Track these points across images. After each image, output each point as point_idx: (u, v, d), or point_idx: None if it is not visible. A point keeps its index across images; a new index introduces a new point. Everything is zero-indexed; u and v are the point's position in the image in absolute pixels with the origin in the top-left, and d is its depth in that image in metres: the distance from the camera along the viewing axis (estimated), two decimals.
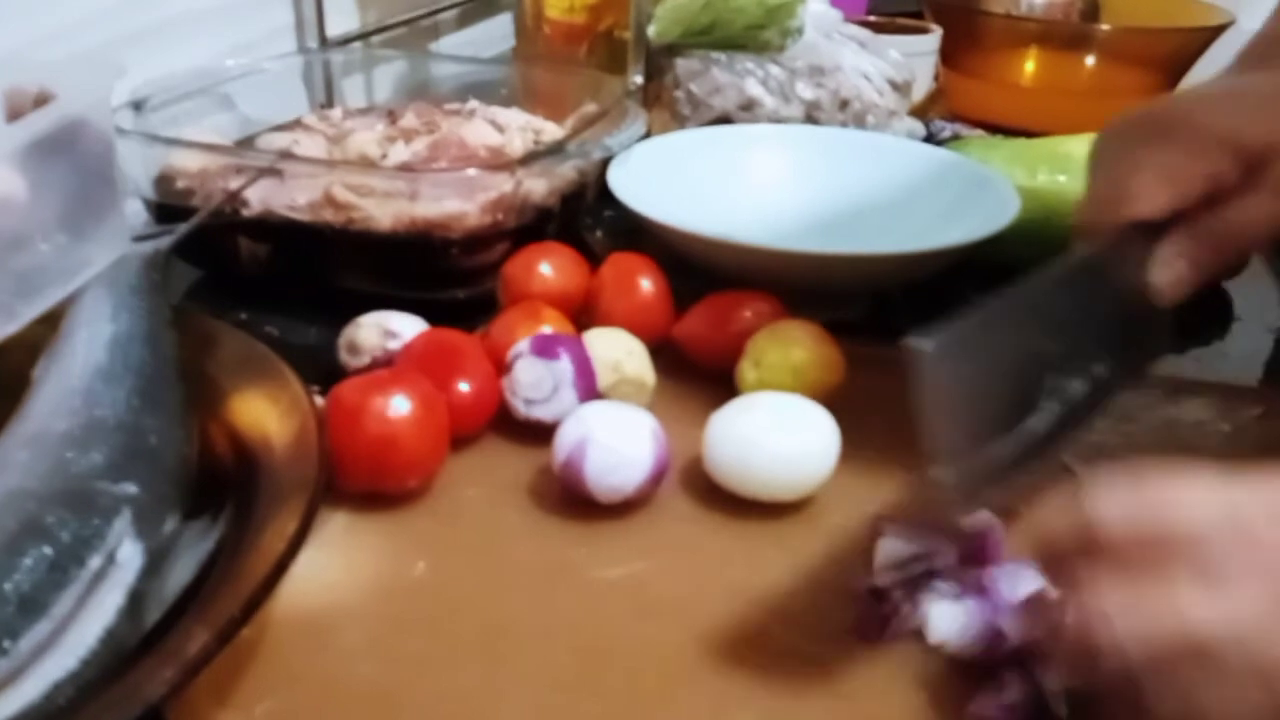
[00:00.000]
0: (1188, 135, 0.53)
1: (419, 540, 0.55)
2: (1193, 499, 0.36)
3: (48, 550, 0.42)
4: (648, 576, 0.53)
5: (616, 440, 0.55)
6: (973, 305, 0.45)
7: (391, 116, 0.92)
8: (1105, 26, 1.33)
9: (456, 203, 0.73)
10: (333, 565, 0.52)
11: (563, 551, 0.54)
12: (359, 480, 0.56)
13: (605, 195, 0.81)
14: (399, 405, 0.55)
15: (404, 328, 0.66)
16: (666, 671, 0.47)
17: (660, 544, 0.55)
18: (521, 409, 0.61)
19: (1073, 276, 0.52)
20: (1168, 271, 0.53)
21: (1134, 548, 0.36)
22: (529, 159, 0.75)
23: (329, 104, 1.00)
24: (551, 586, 0.52)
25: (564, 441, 0.56)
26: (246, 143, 0.85)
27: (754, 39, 1.00)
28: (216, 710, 0.44)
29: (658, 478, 0.56)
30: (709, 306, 0.69)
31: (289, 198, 0.74)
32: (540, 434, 0.60)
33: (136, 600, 0.43)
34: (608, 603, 0.51)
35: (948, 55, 1.24)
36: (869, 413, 0.66)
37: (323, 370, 0.64)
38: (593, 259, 0.74)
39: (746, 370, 0.64)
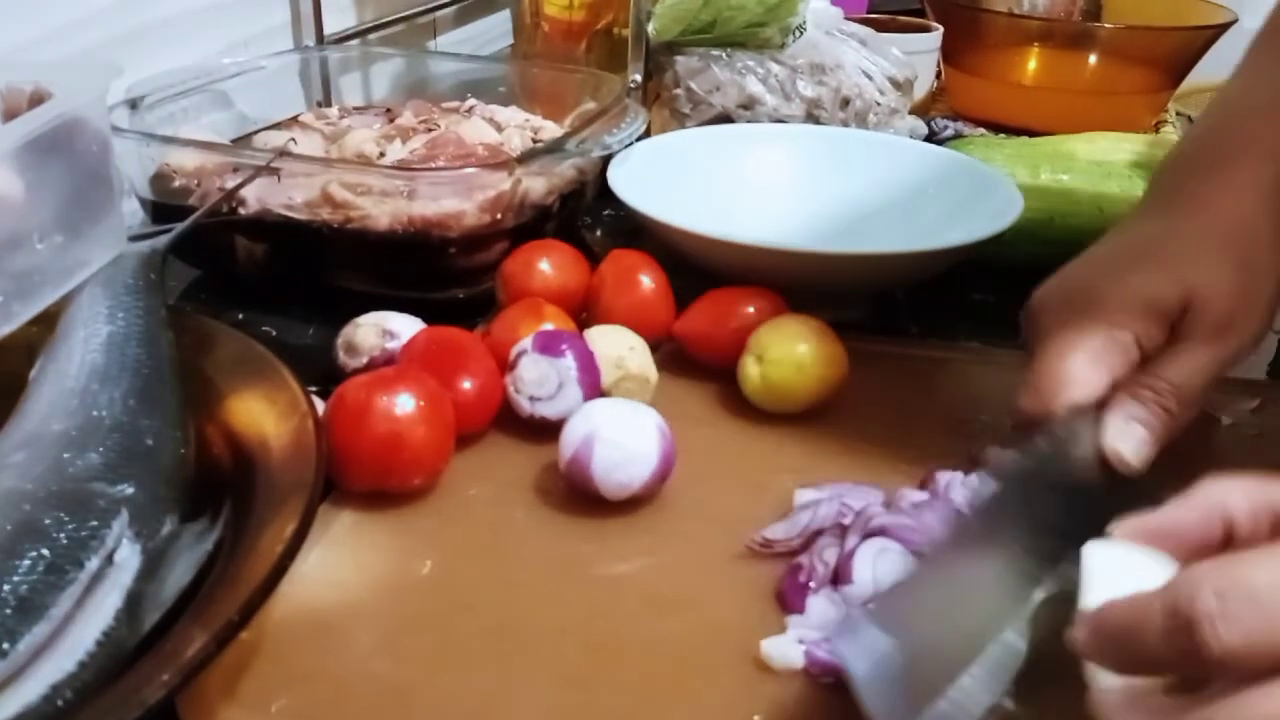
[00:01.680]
0: (1103, 311, 0.54)
1: (426, 538, 0.54)
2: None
3: (45, 552, 0.41)
4: (656, 572, 0.53)
5: (623, 437, 0.55)
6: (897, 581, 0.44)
7: (389, 115, 0.91)
8: (1108, 25, 1.33)
9: (454, 201, 0.72)
10: (341, 564, 0.52)
11: (570, 548, 0.54)
12: (365, 479, 0.55)
13: (604, 194, 0.81)
14: (404, 403, 0.55)
15: (402, 328, 0.65)
16: (678, 666, 0.47)
17: (668, 539, 0.55)
18: (526, 406, 0.61)
19: (1023, 482, 0.50)
20: (1126, 438, 0.52)
21: (1244, 651, 0.33)
22: (527, 157, 0.75)
23: (326, 102, 1.00)
24: (560, 583, 0.52)
25: (570, 438, 0.56)
26: (243, 141, 0.85)
27: (754, 36, 0.99)
28: (231, 708, 0.44)
29: (664, 473, 0.56)
30: (710, 302, 0.69)
31: (286, 197, 0.73)
32: (544, 431, 0.60)
33: (134, 602, 0.43)
34: (617, 599, 0.51)
35: (949, 53, 1.24)
36: (871, 409, 0.66)
37: (321, 371, 0.64)
38: (592, 258, 0.73)
39: (749, 365, 0.64)
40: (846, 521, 0.53)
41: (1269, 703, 0.32)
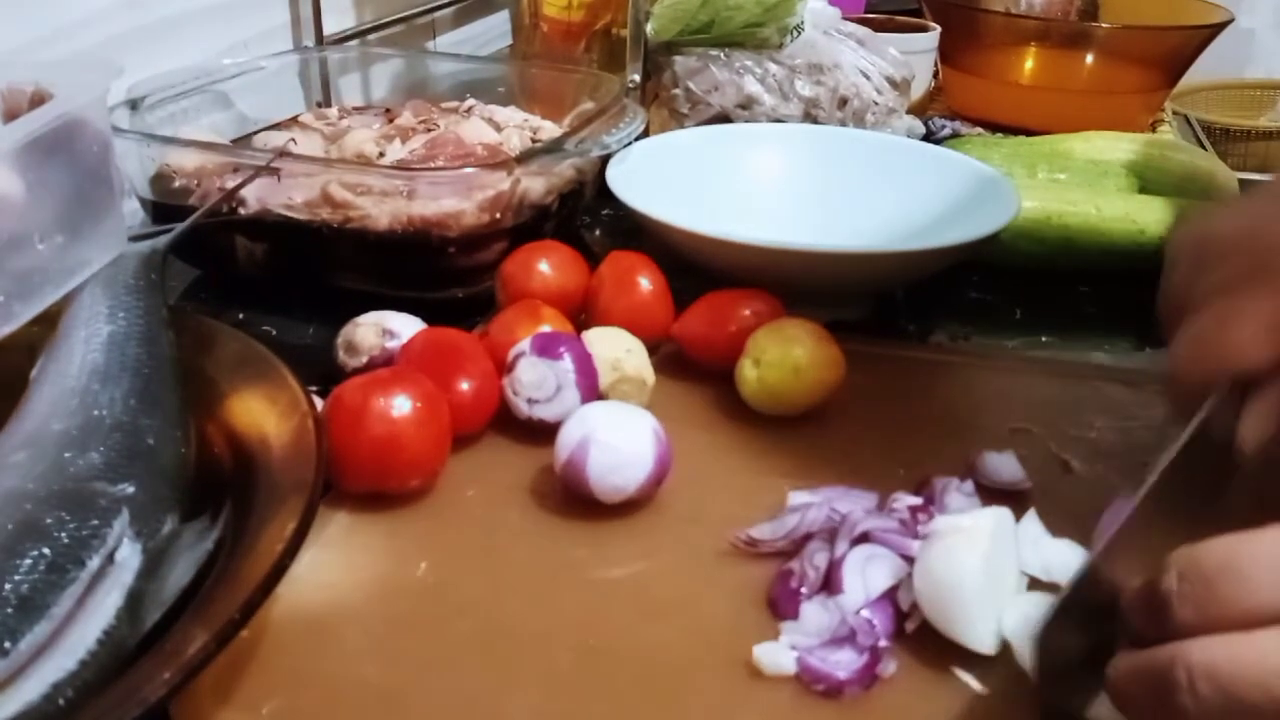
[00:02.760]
0: None
1: (420, 540, 0.54)
2: (1257, 568, 0.37)
3: (46, 551, 0.42)
4: (650, 577, 0.53)
5: (618, 440, 0.55)
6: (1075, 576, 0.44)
7: (388, 115, 0.91)
8: (1104, 25, 1.33)
9: (454, 201, 0.72)
10: (335, 565, 0.52)
11: (565, 551, 0.54)
12: (361, 480, 0.55)
13: (603, 194, 0.81)
14: (401, 405, 0.55)
15: (402, 327, 0.65)
16: (670, 672, 0.47)
17: (663, 544, 0.55)
18: (524, 409, 0.61)
19: (1185, 473, 0.46)
20: (1259, 430, 0.47)
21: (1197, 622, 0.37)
22: (526, 157, 0.75)
23: (326, 102, 1.00)
24: (554, 587, 0.52)
25: (566, 441, 0.56)
26: (243, 141, 0.85)
27: (752, 36, 0.99)
28: (222, 710, 0.44)
29: (659, 477, 0.56)
30: (708, 305, 0.69)
31: (286, 197, 0.74)
32: (541, 433, 0.60)
33: (135, 601, 0.43)
34: (610, 603, 0.51)
35: (947, 53, 1.24)
36: (869, 412, 0.66)
37: (321, 370, 0.64)
38: (591, 258, 0.74)
39: (746, 368, 0.64)
40: (837, 526, 0.53)
41: (1212, 648, 0.36)
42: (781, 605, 0.50)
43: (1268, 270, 0.47)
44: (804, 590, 0.50)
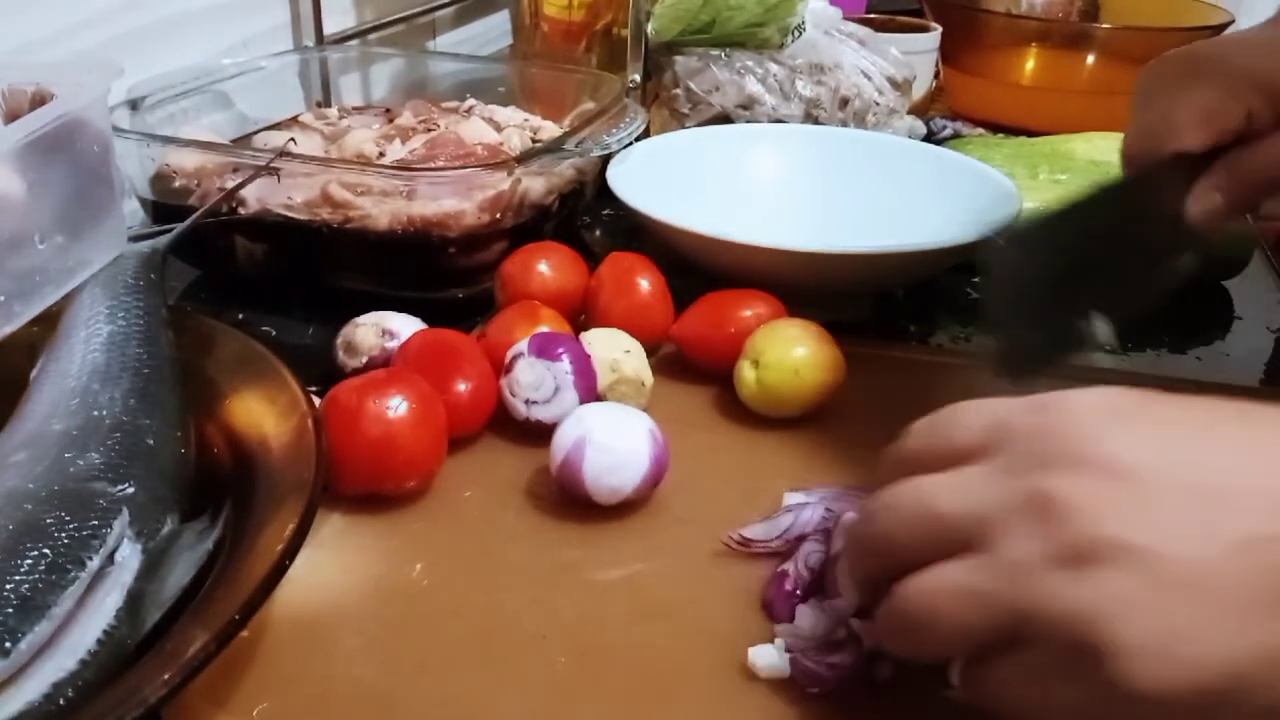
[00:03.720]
0: (1225, 76, 0.57)
1: (415, 542, 0.54)
2: (966, 411, 0.42)
3: (46, 551, 0.42)
4: (646, 578, 0.53)
5: (615, 441, 0.55)
6: (1035, 215, 0.53)
7: (388, 115, 0.91)
8: (1105, 25, 1.33)
9: (454, 201, 0.72)
10: (329, 567, 0.52)
11: (560, 553, 0.54)
12: (358, 482, 0.55)
13: (604, 194, 0.81)
14: (397, 406, 0.55)
15: (402, 327, 0.65)
16: (664, 674, 0.47)
17: (659, 546, 0.55)
18: (522, 410, 0.61)
19: (1120, 195, 0.59)
20: (1204, 203, 0.57)
21: (928, 464, 0.41)
22: (527, 157, 0.75)
23: (326, 102, 1.00)
24: (549, 588, 0.52)
25: (562, 442, 0.56)
26: (243, 141, 0.85)
27: (753, 36, 0.99)
28: (214, 712, 0.44)
29: (656, 479, 0.56)
30: (707, 305, 0.69)
31: (286, 196, 0.74)
32: (538, 434, 0.60)
33: (135, 601, 0.43)
34: (605, 604, 0.51)
35: (948, 53, 1.24)
36: (869, 413, 0.66)
37: (320, 370, 0.64)
38: (591, 258, 0.74)
39: (745, 370, 0.64)
40: (831, 527, 0.52)
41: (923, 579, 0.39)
42: (776, 608, 0.50)
43: (1203, 72, 0.58)
44: (799, 592, 0.50)
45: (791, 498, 0.55)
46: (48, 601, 0.40)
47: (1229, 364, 0.77)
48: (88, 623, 0.41)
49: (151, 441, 0.50)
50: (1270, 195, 0.58)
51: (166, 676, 0.38)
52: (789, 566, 0.51)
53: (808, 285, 0.73)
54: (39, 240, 0.58)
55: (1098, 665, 0.34)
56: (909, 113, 1.06)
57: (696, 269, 0.75)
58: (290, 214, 0.73)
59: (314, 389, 0.56)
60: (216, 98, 0.88)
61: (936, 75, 1.27)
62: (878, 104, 1.02)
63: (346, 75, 1.04)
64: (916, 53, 1.14)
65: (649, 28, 0.99)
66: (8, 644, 0.39)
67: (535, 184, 0.77)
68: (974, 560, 0.38)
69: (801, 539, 0.52)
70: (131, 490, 0.46)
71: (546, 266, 0.71)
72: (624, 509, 0.56)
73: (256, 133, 0.87)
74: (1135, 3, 1.33)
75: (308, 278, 0.77)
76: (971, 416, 0.42)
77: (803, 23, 1.01)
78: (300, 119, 0.90)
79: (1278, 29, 0.62)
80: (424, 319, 0.67)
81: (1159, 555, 0.35)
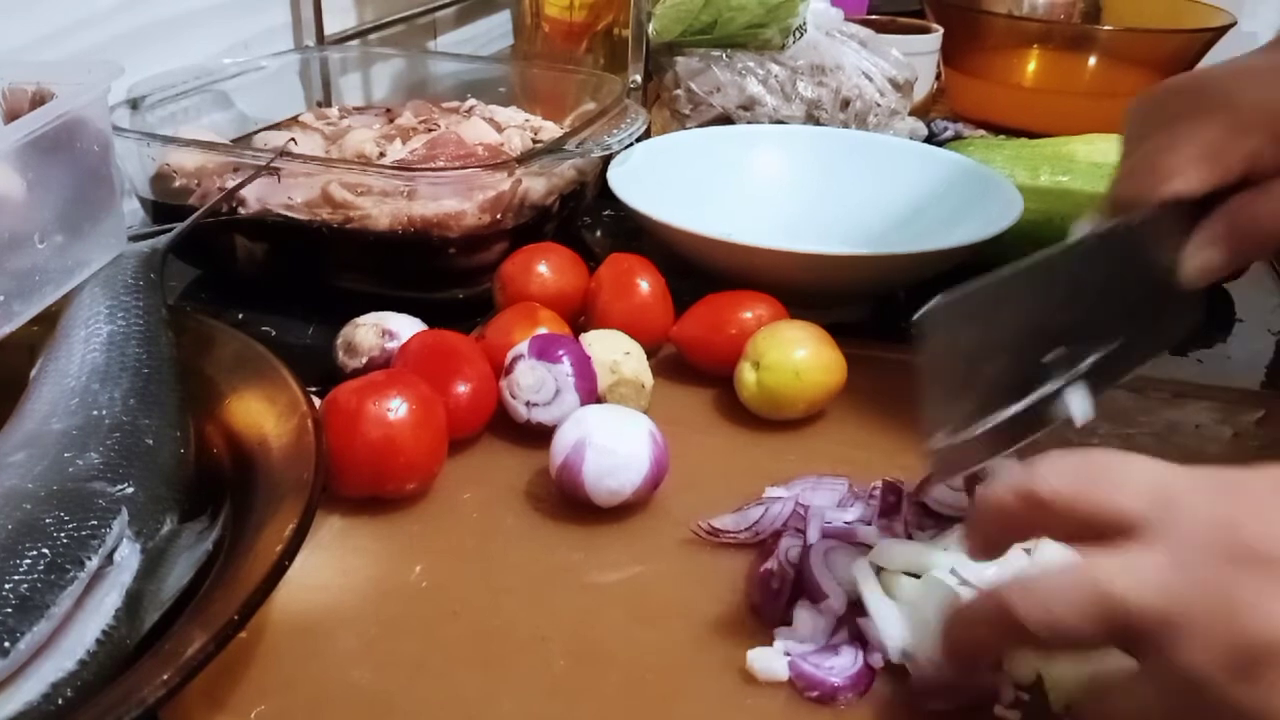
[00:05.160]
0: (1227, 112, 0.51)
1: (415, 544, 0.54)
2: (1128, 472, 0.39)
3: (46, 551, 0.42)
4: (645, 581, 0.53)
5: (614, 443, 0.55)
6: (987, 274, 0.45)
7: (389, 115, 0.91)
8: (1107, 27, 1.33)
9: (454, 202, 0.72)
10: (328, 569, 0.52)
11: (560, 555, 0.54)
12: (358, 484, 0.55)
13: (604, 195, 0.81)
14: (397, 408, 0.55)
15: (402, 328, 0.65)
16: (663, 677, 0.47)
17: (658, 548, 0.55)
18: (523, 411, 0.61)
19: (1101, 247, 0.51)
20: (1200, 259, 0.52)
21: (1070, 515, 0.38)
22: (527, 158, 0.75)
23: (326, 102, 1.00)
24: (548, 591, 0.51)
25: (561, 444, 0.56)
26: (243, 141, 0.85)
27: (755, 37, 0.99)
28: (213, 713, 0.44)
29: (656, 481, 0.56)
30: (707, 307, 0.69)
31: (286, 197, 0.74)
32: (538, 436, 0.60)
33: (134, 601, 0.43)
34: (604, 607, 0.51)
35: (949, 55, 1.24)
36: (869, 415, 0.66)
37: (320, 371, 0.64)
38: (591, 259, 0.74)
39: (746, 371, 0.64)
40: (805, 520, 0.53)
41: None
42: (765, 610, 0.50)
43: (1203, 107, 0.52)
44: (785, 591, 0.49)
45: (771, 491, 0.56)
46: (47, 601, 0.40)
47: (1230, 366, 0.77)
48: (87, 623, 0.41)
49: (151, 441, 0.50)
50: (1274, 248, 0.52)
51: (165, 677, 0.38)
52: (771, 564, 0.51)
53: (808, 287, 0.73)
54: (39, 240, 0.58)
55: None
56: (910, 114, 1.06)
57: (697, 270, 0.75)
58: (290, 214, 0.73)
59: (314, 389, 0.56)
60: (216, 98, 0.88)
61: (938, 77, 1.27)
62: (879, 105, 1.02)
63: (347, 75, 1.04)
64: (918, 54, 1.14)
65: (650, 28, 0.99)
66: (7, 644, 0.39)
67: (536, 184, 0.77)
68: (1154, 665, 0.36)
69: (778, 535, 0.53)
70: (131, 490, 0.46)
71: (546, 267, 0.71)
72: (624, 511, 0.56)
73: (256, 133, 0.87)
74: (1137, 4, 1.33)
75: (308, 278, 0.76)
76: (1135, 479, 0.39)
77: (804, 24, 1.01)
78: (300, 119, 0.90)
79: (1277, 55, 0.57)
80: (424, 319, 0.67)
81: None
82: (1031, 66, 1.23)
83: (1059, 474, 0.39)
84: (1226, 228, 0.51)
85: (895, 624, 0.46)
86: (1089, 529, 0.38)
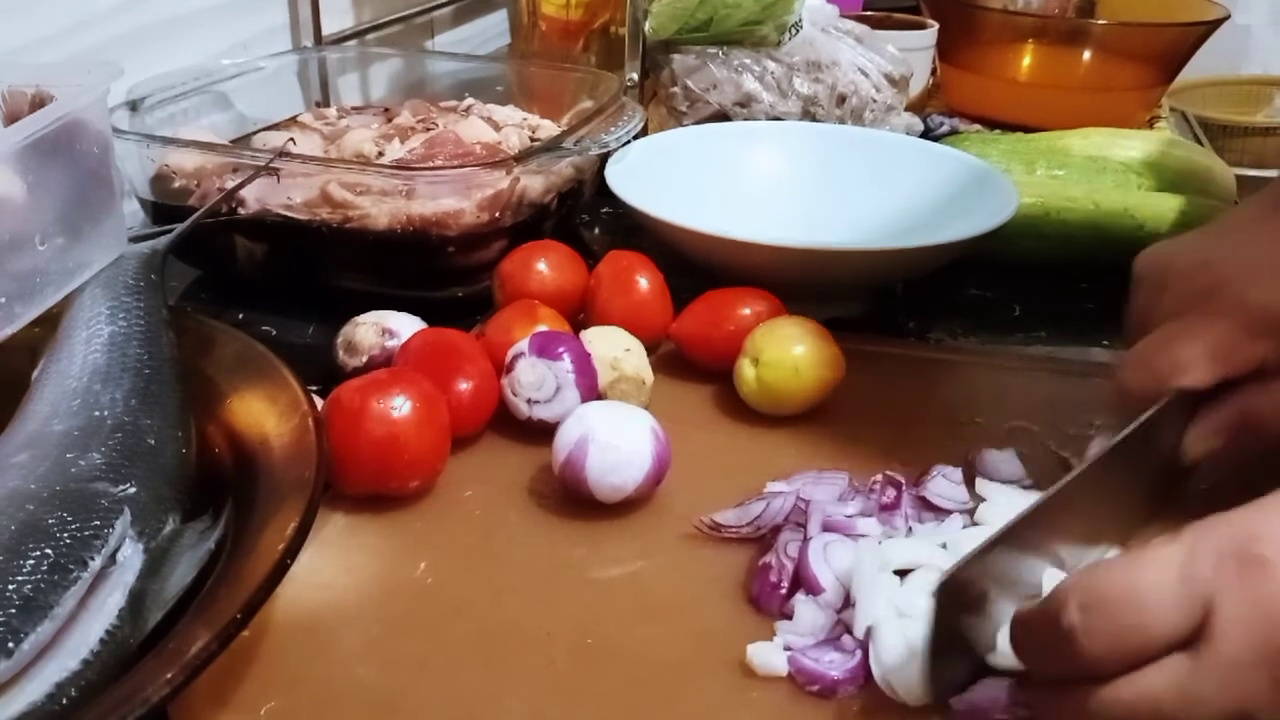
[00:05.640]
0: (1239, 314, 0.52)
1: (418, 541, 0.54)
2: (1155, 597, 0.38)
3: (49, 551, 0.42)
4: (648, 576, 0.53)
5: (617, 439, 0.55)
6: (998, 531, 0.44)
7: (387, 114, 0.92)
8: (1101, 21, 1.33)
9: (453, 200, 0.72)
10: (332, 566, 0.52)
11: (563, 551, 0.54)
12: (362, 483, 0.56)
13: (602, 192, 0.81)
14: (400, 406, 0.55)
15: (402, 327, 0.65)
16: (665, 672, 0.47)
17: (660, 543, 0.55)
18: (524, 409, 0.61)
19: (1113, 462, 0.51)
20: (1205, 444, 0.54)
21: (1107, 655, 0.38)
22: (525, 156, 0.75)
23: (325, 102, 1.00)
24: (551, 587, 0.52)
25: (564, 440, 0.56)
26: (243, 142, 0.85)
27: (751, 34, 1.00)
28: (219, 712, 0.44)
29: (658, 476, 0.56)
30: (706, 304, 0.69)
31: (285, 197, 0.74)
32: (540, 433, 0.60)
33: (137, 601, 0.43)
34: (608, 603, 0.51)
35: (945, 50, 1.24)
36: (868, 410, 0.66)
37: (321, 370, 0.64)
38: (590, 257, 0.74)
39: (745, 367, 0.64)
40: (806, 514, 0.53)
41: (1130, 688, 0.38)
42: (764, 602, 0.50)
43: (1213, 301, 0.53)
44: (783, 584, 0.50)
45: (772, 486, 0.56)
46: (50, 601, 0.40)
47: None
48: (90, 623, 0.41)
49: (153, 442, 0.50)
50: (1276, 444, 0.52)
51: (169, 676, 0.38)
52: (770, 558, 0.51)
53: (806, 283, 0.73)
54: (39, 241, 0.58)
55: None
56: (906, 109, 1.07)
57: (695, 267, 0.75)
58: (290, 214, 0.73)
59: (315, 388, 0.56)
60: (216, 98, 0.88)
61: (933, 72, 1.27)
62: (875, 101, 1.02)
63: (345, 75, 1.04)
64: (913, 50, 1.14)
65: (646, 26, 0.99)
66: (10, 644, 0.39)
67: (534, 183, 0.78)
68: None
69: (778, 529, 0.53)
70: (133, 490, 0.46)
71: (545, 265, 0.71)
72: (626, 507, 0.56)
73: (256, 133, 0.87)
74: None
75: (307, 277, 0.77)
76: (1158, 603, 0.38)
77: (800, 20, 1.01)
78: (299, 119, 0.90)
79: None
80: (424, 318, 0.67)
81: None
82: (1026, 61, 1.23)
83: (1093, 634, 0.38)
84: (1232, 420, 0.53)
85: (889, 649, 0.46)
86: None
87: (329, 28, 1.03)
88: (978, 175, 0.85)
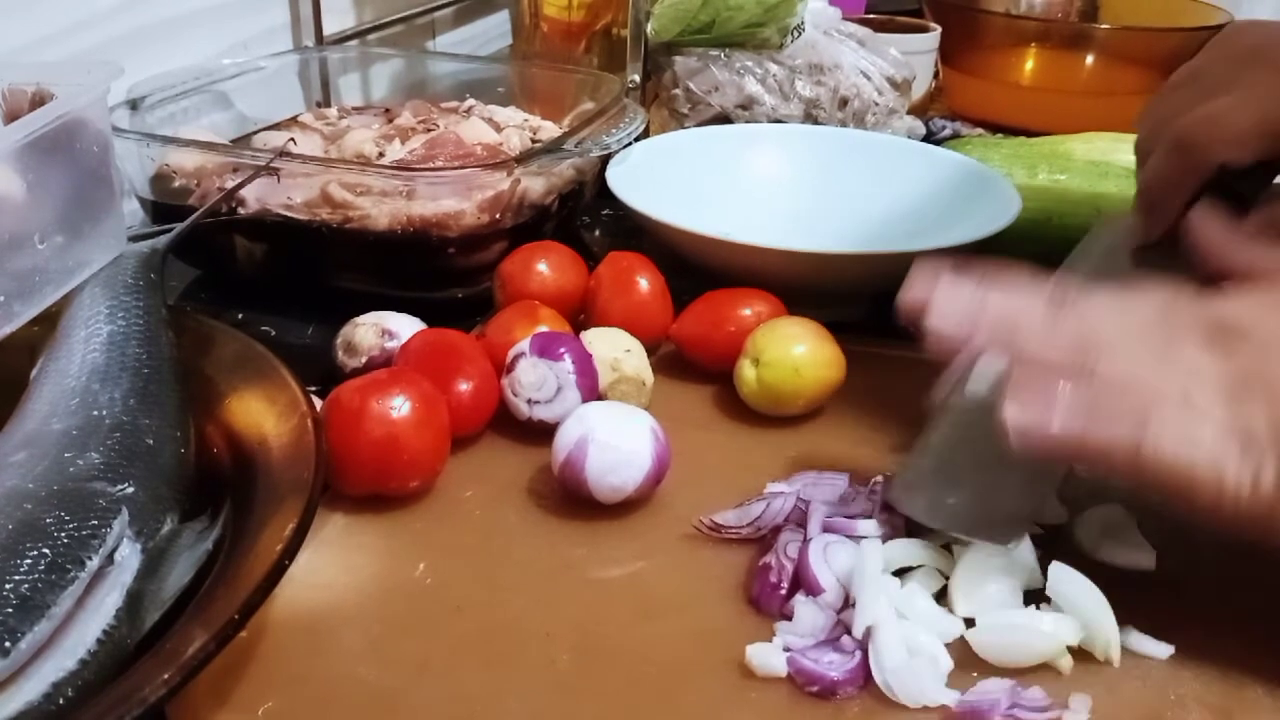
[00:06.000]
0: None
1: (418, 541, 0.54)
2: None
3: (46, 550, 0.42)
4: (648, 576, 0.53)
5: (617, 439, 0.55)
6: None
7: (388, 115, 0.91)
8: (1104, 26, 1.33)
9: (453, 201, 0.72)
10: (332, 566, 0.52)
11: (563, 552, 0.54)
12: (361, 483, 0.55)
13: (603, 194, 0.81)
14: (400, 406, 0.55)
15: (401, 327, 0.65)
16: (665, 672, 0.47)
17: (660, 543, 0.55)
18: (524, 409, 0.61)
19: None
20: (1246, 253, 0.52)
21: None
22: (526, 157, 0.75)
23: (325, 102, 1.00)
24: (551, 587, 0.52)
25: (564, 441, 0.56)
26: (243, 141, 0.85)
27: (753, 37, 0.99)
28: (218, 711, 0.44)
29: (658, 477, 0.56)
30: (707, 304, 0.69)
31: (285, 197, 0.74)
32: (540, 433, 0.60)
33: (135, 600, 0.43)
34: (607, 603, 0.51)
35: (947, 53, 1.24)
36: (869, 411, 0.66)
37: (320, 370, 0.64)
38: (590, 258, 0.74)
39: (745, 368, 0.64)
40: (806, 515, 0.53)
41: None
42: (764, 602, 0.50)
43: (1254, 65, 0.51)
44: (783, 585, 0.50)
45: (773, 487, 0.56)
46: (47, 601, 0.40)
47: None
48: (87, 622, 0.41)
49: (151, 441, 0.50)
50: None
51: (166, 676, 0.38)
52: (770, 559, 0.51)
53: (806, 285, 0.73)
54: (39, 240, 0.58)
55: None
56: (908, 113, 1.07)
57: (696, 269, 0.75)
58: (290, 214, 0.73)
59: (314, 389, 0.56)
60: (216, 98, 0.88)
61: (936, 75, 1.27)
62: (877, 104, 1.02)
63: (346, 75, 1.04)
64: (916, 53, 1.14)
65: (648, 28, 0.99)
66: (7, 644, 0.38)
67: (535, 184, 0.77)
68: None
69: (777, 530, 0.53)
70: (131, 490, 0.46)
71: (546, 266, 0.71)
72: (626, 507, 0.56)
73: (256, 133, 0.87)
74: (1134, 3, 1.34)
75: (307, 278, 0.77)
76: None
77: (802, 23, 1.01)
78: (300, 119, 0.90)
79: None
80: (423, 319, 0.67)
81: None
82: (1029, 65, 1.23)
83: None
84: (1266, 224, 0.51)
85: (889, 650, 0.46)
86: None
87: (330, 28, 1.03)
88: (979, 179, 0.85)
